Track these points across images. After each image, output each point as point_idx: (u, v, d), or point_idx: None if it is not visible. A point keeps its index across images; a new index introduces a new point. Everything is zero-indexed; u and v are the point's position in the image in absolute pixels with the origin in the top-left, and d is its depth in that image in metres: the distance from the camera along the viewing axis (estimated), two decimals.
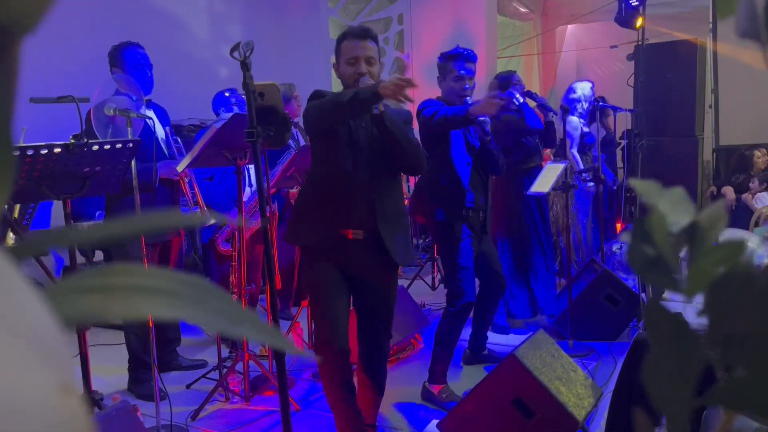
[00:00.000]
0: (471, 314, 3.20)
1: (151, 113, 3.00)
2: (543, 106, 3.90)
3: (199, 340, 3.94)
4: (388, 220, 2.32)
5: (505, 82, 3.94)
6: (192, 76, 5.55)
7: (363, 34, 2.34)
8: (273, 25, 6.75)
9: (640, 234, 0.34)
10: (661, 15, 7.72)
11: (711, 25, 7.45)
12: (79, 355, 2.25)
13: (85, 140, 2.14)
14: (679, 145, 6.77)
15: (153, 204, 3.07)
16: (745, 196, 6.04)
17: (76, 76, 3.65)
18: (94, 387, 2.28)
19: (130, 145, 2.34)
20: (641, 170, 6.34)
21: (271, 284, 1.90)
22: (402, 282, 5.11)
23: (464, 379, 3.26)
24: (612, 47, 7.70)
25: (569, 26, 9.47)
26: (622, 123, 5.97)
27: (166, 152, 3.17)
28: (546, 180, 3.55)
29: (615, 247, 4.66)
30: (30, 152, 2.03)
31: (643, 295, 3.66)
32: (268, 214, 1.90)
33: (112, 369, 3.39)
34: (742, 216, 5.84)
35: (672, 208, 0.35)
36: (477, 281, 3.21)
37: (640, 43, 6.77)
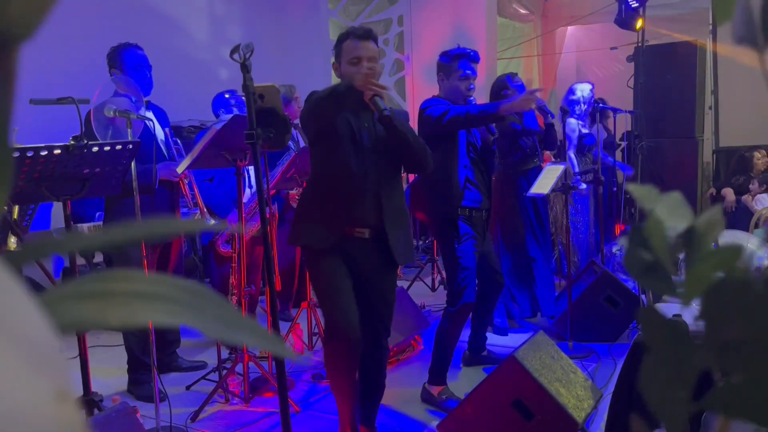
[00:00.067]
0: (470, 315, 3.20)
1: (150, 114, 3.00)
2: (542, 109, 3.90)
3: (198, 342, 3.94)
4: (393, 219, 2.36)
5: (503, 85, 3.95)
6: (192, 78, 5.56)
7: (365, 34, 2.35)
8: (273, 27, 6.75)
9: (638, 239, 0.34)
10: (661, 16, 7.72)
11: (711, 27, 7.46)
12: (78, 357, 2.25)
13: (85, 142, 2.14)
14: (679, 146, 6.78)
15: (152, 206, 3.07)
16: (745, 197, 6.04)
17: (76, 78, 3.65)
18: (93, 388, 2.28)
19: (130, 146, 2.34)
20: (641, 172, 6.34)
21: (270, 286, 1.90)
22: (402, 283, 5.11)
23: (464, 381, 3.25)
24: (612, 49, 7.70)
25: (569, 28, 9.47)
26: (622, 124, 5.97)
27: (166, 154, 3.18)
28: (546, 181, 3.55)
29: (615, 249, 4.66)
30: (30, 153, 2.03)
31: (643, 296, 3.66)
32: (267, 216, 1.90)
33: (111, 370, 3.39)
34: (742, 217, 5.84)
35: (669, 212, 0.35)
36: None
37: (639, 44, 6.77)
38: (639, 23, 6.65)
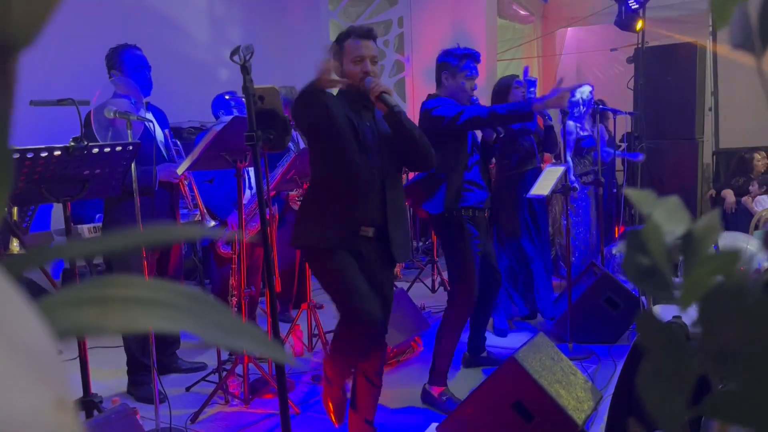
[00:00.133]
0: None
1: (150, 116, 3.00)
2: (541, 111, 3.90)
3: (198, 343, 3.94)
4: (395, 218, 2.38)
5: (505, 87, 3.95)
6: (192, 79, 5.56)
7: (367, 33, 2.36)
8: (273, 28, 6.76)
9: (636, 243, 0.34)
10: (661, 18, 7.72)
11: (711, 28, 7.46)
12: (78, 358, 2.25)
13: (85, 143, 2.14)
14: (679, 148, 6.78)
15: (152, 207, 3.07)
16: (745, 199, 6.04)
17: (76, 79, 3.65)
18: (93, 389, 2.28)
19: (130, 147, 2.34)
20: (641, 173, 6.34)
21: (270, 287, 1.90)
22: (402, 284, 5.11)
23: (463, 382, 3.25)
24: (612, 50, 7.70)
25: (569, 29, 9.47)
26: (622, 126, 5.97)
27: (165, 155, 3.18)
28: (546, 183, 3.55)
29: (615, 250, 4.65)
30: (30, 155, 2.03)
31: (643, 298, 3.66)
32: (267, 217, 1.90)
33: (111, 372, 3.39)
34: (741, 219, 5.84)
35: (667, 217, 0.35)
36: None
37: (639, 46, 6.78)
38: (639, 25, 6.66)
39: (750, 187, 6.06)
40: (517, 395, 2.40)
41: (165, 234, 0.28)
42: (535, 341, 2.69)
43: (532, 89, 3.62)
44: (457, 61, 3.08)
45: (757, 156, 6.23)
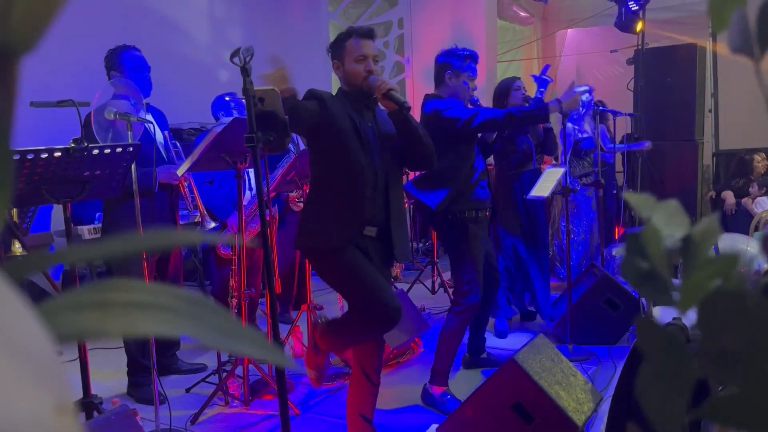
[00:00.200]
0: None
1: (149, 117, 3.00)
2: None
3: (198, 344, 3.93)
4: (397, 218, 2.39)
5: (506, 89, 3.96)
6: (192, 80, 5.56)
7: (368, 33, 2.37)
8: (273, 29, 6.76)
9: (635, 247, 0.34)
10: (661, 19, 7.73)
11: (711, 30, 7.47)
12: (78, 359, 2.25)
13: (85, 144, 2.14)
14: (679, 149, 6.78)
15: (152, 208, 3.07)
16: (745, 200, 6.04)
17: (77, 80, 3.66)
18: (93, 391, 2.28)
19: (130, 149, 2.35)
20: (641, 174, 6.34)
21: (270, 288, 1.90)
22: (402, 286, 5.11)
23: (463, 383, 3.25)
24: (612, 52, 7.71)
25: (569, 30, 9.47)
26: (621, 127, 5.97)
27: (165, 156, 3.17)
28: (546, 184, 3.56)
29: (615, 252, 4.66)
30: (30, 156, 2.03)
31: (643, 300, 3.66)
32: (267, 218, 1.90)
33: (111, 373, 3.39)
34: (741, 220, 5.84)
35: (666, 221, 0.35)
36: None
37: (639, 47, 6.78)
38: (639, 26, 6.67)
39: (750, 189, 6.06)
40: (517, 396, 2.40)
41: (165, 239, 0.28)
42: (535, 342, 2.69)
43: (542, 89, 3.60)
44: (461, 62, 3.09)
45: (757, 157, 6.23)
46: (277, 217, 3.84)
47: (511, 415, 2.41)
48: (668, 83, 6.74)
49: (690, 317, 0.33)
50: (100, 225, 3.43)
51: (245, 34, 6.47)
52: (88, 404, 2.22)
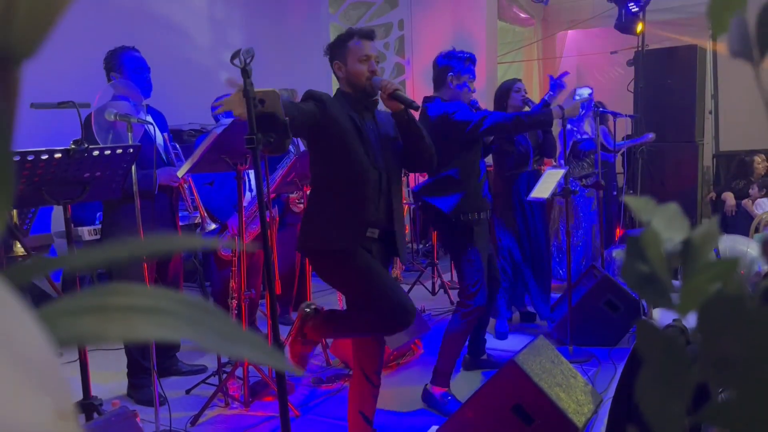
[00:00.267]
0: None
1: (149, 119, 3.00)
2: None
3: (198, 346, 3.93)
4: (399, 219, 2.40)
5: (506, 90, 3.97)
6: (192, 81, 5.56)
7: (371, 34, 2.38)
8: (273, 31, 6.76)
9: (634, 251, 0.34)
10: (661, 21, 7.74)
11: (711, 31, 7.47)
12: (78, 360, 2.25)
13: (86, 145, 2.14)
14: (679, 150, 6.78)
15: (152, 210, 3.07)
16: (745, 201, 6.04)
17: (77, 82, 3.66)
18: (93, 392, 2.28)
19: (131, 150, 2.35)
20: (641, 176, 6.35)
21: (270, 289, 1.90)
22: (402, 287, 5.10)
23: (463, 385, 3.25)
24: (612, 53, 7.72)
25: (569, 32, 9.48)
26: (622, 128, 5.97)
27: (165, 158, 3.17)
28: (546, 186, 3.55)
29: (615, 254, 4.66)
30: (30, 158, 2.04)
31: (643, 301, 3.66)
32: (268, 219, 1.90)
33: (111, 374, 3.39)
34: (742, 222, 5.84)
35: (666, 224, 0.35)
36: None
37: (640, 48, 6.79)
38: (639, 27, 6.67)
39: (750, 190, 6.06)
40: (517, 398, 2.40)
41: (165, 244, 0.28)
42: (535, 344, 2.69)
43: (551, 93, 3.60)
44: (461, 64, 3.09)
45: (757, 159, 6.24)
46: (278, 219, 3.84)
47: (511, 416, 2.41)
48: (668, 84, 6.75)
49: (690, 319, 0.33)
50: (100, 226, 3.43)
51: (245, 35, 6.47)
52: (88, 405, 2.22)
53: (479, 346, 3.54)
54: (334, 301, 4.32)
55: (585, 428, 2.45)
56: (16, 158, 1.99)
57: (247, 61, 1.76)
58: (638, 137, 5.95)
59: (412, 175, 5.99)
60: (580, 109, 4.66)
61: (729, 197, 6.17)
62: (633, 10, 6.64)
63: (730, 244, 2.80)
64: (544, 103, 3.58)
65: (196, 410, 2.91)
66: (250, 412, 2.98)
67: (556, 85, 3.56)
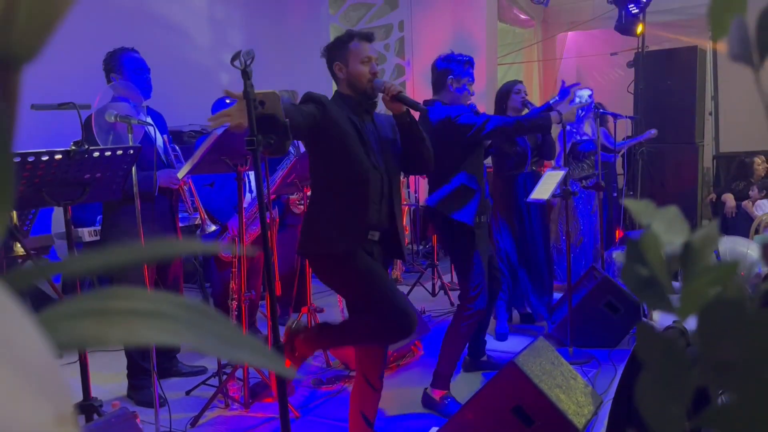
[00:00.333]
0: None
1: (149, 120, 3.00)
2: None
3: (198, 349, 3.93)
4: (399, 221, 2.39)
5: (506, 92, 3.97)
6: (192, 82, 5.56)
7: (370, 36, 2.38)
8: (274, 32, 6.77)
9: (634, 254, 0.34)
10: (661, 22, 7.74)
11: (711, 33, 7.47)
12: (78, 362, 2.25)
13: (86, 147, 2.14)
14: (679, 151, 6.79)
15: (151, 212, 3.07)
16: (745, 203, 6.04)
17: (77, 83, 3.66)
18: (93, 393, 2.28)
19: (131, 151, 2.35)
20: (641, 177, 6.35)
21: (270, 290, 1.90)
22: (402, 288, 5.10)
23: (463, 386, 3.25)
24: (612, 54, 7.72)
25: (569, 33, 9.49)
26: (622, 130, 5.97)
27: (165, 160, 3.17)
28: (546, 187, 3.55)
29: (615, 255, 4.66)
30: (31, 159, 2.04)
31: (644, 303, 3.65)
32: (268, 221, 1.90)
33: (111, 375, 3.38)
34: (742, 223, 5.84)
35: (666, 227, 0.35)
36: None
37: (640, 50, 6.79)
38: (639, 29, 6.68)
39: (750, 192, 6.06)
40: (517, 400, 2.40)
41: (166, 249, 0.28)
42: (535, 345, 2.69)
43: (556, 98, 3.59)
44: (461, 67, 3.10)
45: (757, 160, 6.24)
46: (278, 220, 3.84)
47: (511, 418, 2.41)
48: (668, 86, 6.75)
49: (690, 322, 0.33)
50: (100, 227, 3.42)
51: (246, 36, 6.48)
52: (88, 407, 2.22)
53: (479, 348, 3.53)
54: (334, 302, 4.32)
55: (585, 430, 2.45)
56: (17, 159, 1.99)
57: (247, 62, 1.76)
58: (639, 135, 5.95)
59: (412, 177, 6.00)
60: (580, 111, 4.67)
61: (729, 199, 6.17)
62: (633, 12, 6.65)
63: (730, 245, 2.79)
64: (548, 107, 3.58)
65: (196, 411, 2.91)
66: (250, 414, 2.98)
67: (564, 91, 3.57)
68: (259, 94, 1.82)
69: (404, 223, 2.75)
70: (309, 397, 3.18)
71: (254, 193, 3.71)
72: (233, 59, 1.76)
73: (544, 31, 9.25)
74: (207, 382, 3.23)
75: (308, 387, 3.31)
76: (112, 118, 2.53)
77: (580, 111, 4.69)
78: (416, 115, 2.46)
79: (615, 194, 5.83)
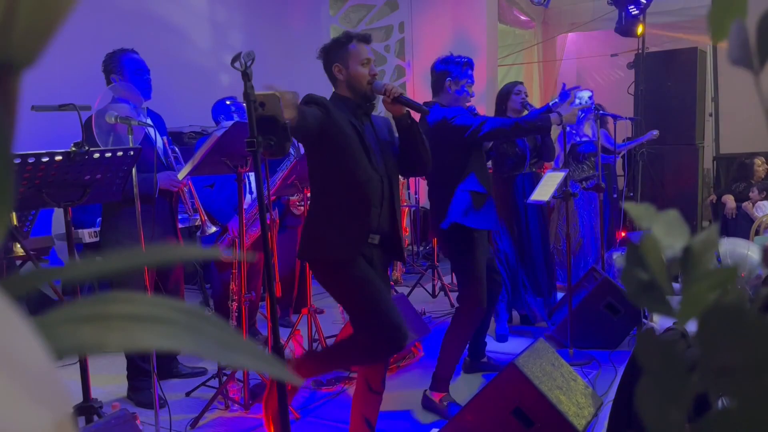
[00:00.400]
0: None
1: (149, 121, 3.00)
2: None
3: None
4: (399, 223, 2.38)
5: (506, 93, 3.98)
6: (193, 84, 5.57)
7: (368, 38, 2.38)
8: (274, 33, 6.77)
9: (634, 258, 0.34)
10: (661, 23, 7.74)
11: (711, 36, 7.47)
12: (78, 363, 2.25)
13: (87, 148, 2.15)
14: (680, 153, 6.78)
15: (152, 213, 3.06)
16: (746, 204, 6.04)
17: (78, 84, 3.66)
18: (93, 395, 2.28)
19: (131, 153, 2.35)
20: (642, 178, 6.35)
21: (271, 292, 1.90)
22: (402, 289, 5.11)
23: (464, 387, 3.25)
24: (612, 56, 7.72)
25: (570, 34, 9.49)
26: (622, 131, 5.97)
27: (164, 162, 3.16)
28: (546, 189, 3.55)
29: (615, 256, 4.65)
30: (31, 160, 2.04)
31: (643, 308, 3.64)
32: (268, 222, 1.90)
33: (111, 377, 3.38)
34: (742, 225, 5.84)
35: (666, 231, 0.35)
36: None
37: (640, 51, 6.79)
38: (639, 30, 6.68)
39: (750, 193, 6.06)
40: (518, 401, 2.40)
41: (166, 255, 0.28)
42: (536, 347, 2.68)
43: (556, 100, 3.59)
44: (459, 69, 3.09)
45: (757, 161, 6.23)
46: (278, 221, 3.84)
47: (511, 419, 2.41)
48: (669, 87, 6.75)
49: (690, 324, 0.33)
50: (99, 229, 3.42)
51: (246, 38, 6.48)
52: (88, 408, 2.22)
53: (479, 349, 3.53)
54: (334, 303, 4.31)
55: (585, 431, 2.45)
56: (17, 161, 1.99)
57: (248, 64, 1.76)
58: (641, 136, 5.94)
59: (412, 179, 6.00)
60: (580, 113, 4.67)
61: (729, 200, 6.16)
62: (633, 13, 6.65)
63: (731, 247, 2.80)
64: (547, 109, 3.58)
65: (196, 413, 2.91)
66: (250, 415, 2.97)
67: (564, 94, 3.57)
68: (260, 95, 1.82)
69: (404, 224, 2.74)
70: (309, 399, 3.18)
71: (254, 195, 3.71)
72: (233, 61, 1.76)
73: (544, 33, 9.25)
74: (207, 384, 3.23)
75: (308, 388, 3.31)
76: (113, 119, 2.53)
77: (580, 113, 4.69)
78: (416, 116, 2.46)
79: (615, 195, 5.82)
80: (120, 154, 2.30)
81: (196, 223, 3.28)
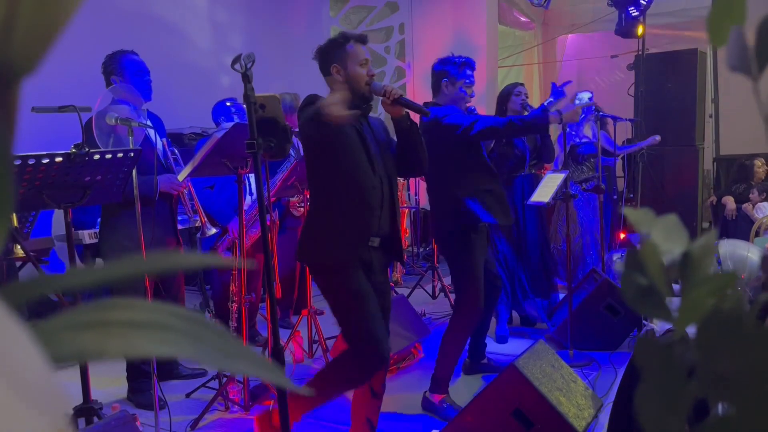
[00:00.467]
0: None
1: (149, 123, 3.00)
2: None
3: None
4: (398, 225, 2.38)
5: (506, 94, 3.98)
6: (193, 85, 5.57)
7: (364, 38, 2.37)
8: (274, 35, 6.77)
9: (633, 263, 0.34)
10: (662, 24, 7.74)
11: (709, 41, 7.47)
12: (78, 365, 2.25)
13: (87, 149, 2.15)
14: (680, 154, 6.78)
15: (151, 215, 3.06)
16: (746, 206, 6.04)
17: (78, 85, 3.66)
18: (93, 396, 2.28)
19: (131, 154, 2.35)
20: (642, 179, 6.35)
21: (271, 293, 1.90)
22: (402, 291, 5.11)
23: (463, 389, 3.25)
24: (612, 57, 7.72)
25: (570, 36, 9.49)
26: (622, 132, 5.97)
27: (164, 164, 3.16)
28: (546, 190, 3.55)
29: (615, 258, 4.65)
30: (31, 161, 2.04)
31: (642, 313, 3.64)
32: (268, 223, 1.90)
33: (111, 378, 3.38)
34: (742, 226, 5.84)
35: (665, 236, 0.35)
36: None
37: (640, 52, 6.79)
38: (639, 31, 6.68)
39: (750, 194, 6.06)
40: (518, 402, 2.40)
41: (167, 262, 0.28)
42: (536, 348, 2.68)
43: (552, 99, 3.58)
44: (456, 69, 3.08)
45: (757, 163, 6.23)
46: (278, 222, 3.85)
47: (511, 420, 2.41)
48: (669, 88, 6.75)
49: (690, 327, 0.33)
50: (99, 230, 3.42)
51: (246, 39, 6.48)
52: (88, 410, 2.22)
53: (479, 350, 3.53)
54: None
55: None
56: (17, 162, 1.99)
57: (248, 66, 1.76)
58: (642, 140, 5.94)
59: (412, 180, 6.00)
60: (584, 116, 4.68)
61: (729, 201, 6.16)
62: (633, 14, 6.65)
63: (731, 248, 2.80)
64: (543, 109, 3.57)
65: (196, 414, 2.91)
66: (250, 416, 2.97)
67: (557, 92, 3.55)
68: (260, 97, 1.82)
69: (404, 225, 2.74)
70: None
71: (254, 196, 3.71)
72: (234, 62, 1.76)
73: (544, 34, 9.26)
74: (207, 385, 3.23)
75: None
76: (113, 120, 2.53)
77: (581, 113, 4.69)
78: (415, 117, 2.45)
79: (615, 197, 5.82)
80: (120, 155, 2.30)
81: (196, 225, 3.28)
